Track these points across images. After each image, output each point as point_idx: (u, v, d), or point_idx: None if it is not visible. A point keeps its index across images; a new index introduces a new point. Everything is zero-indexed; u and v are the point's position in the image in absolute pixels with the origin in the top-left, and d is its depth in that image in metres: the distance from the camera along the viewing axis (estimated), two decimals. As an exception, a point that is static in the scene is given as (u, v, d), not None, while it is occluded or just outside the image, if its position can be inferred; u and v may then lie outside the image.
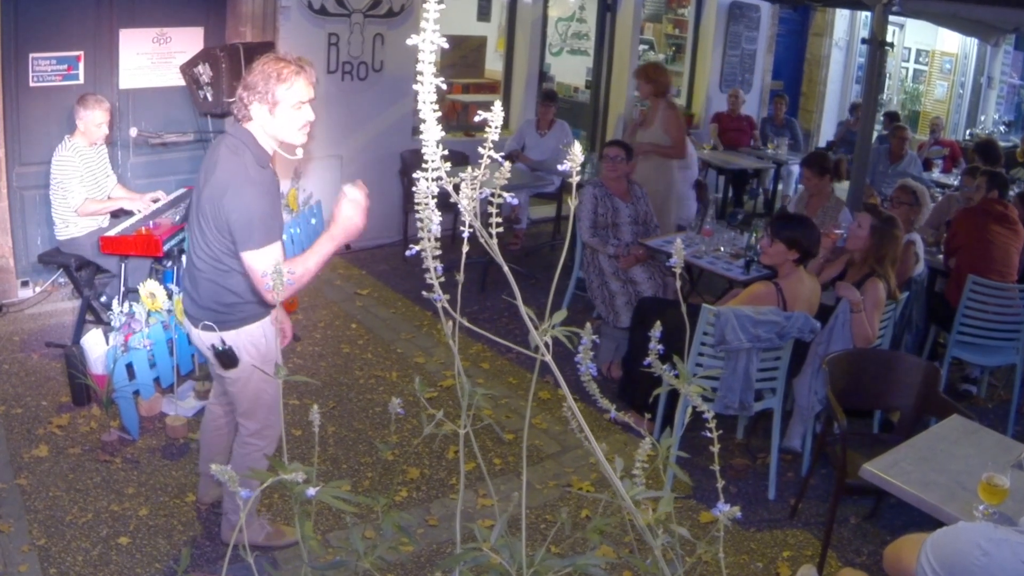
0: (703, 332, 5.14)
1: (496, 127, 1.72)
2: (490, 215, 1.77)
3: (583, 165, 9.32)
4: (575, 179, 1.86)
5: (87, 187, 6.43)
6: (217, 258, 3.83)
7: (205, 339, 4.01)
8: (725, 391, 5.15)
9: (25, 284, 7.37)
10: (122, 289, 6.22)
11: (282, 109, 3.72)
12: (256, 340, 4.01)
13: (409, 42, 1.64)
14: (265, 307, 4.00)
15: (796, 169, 12.41)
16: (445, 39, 1.65)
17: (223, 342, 3.94)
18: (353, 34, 8.71)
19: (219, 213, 3.70)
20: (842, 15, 15.48)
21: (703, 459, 5.07)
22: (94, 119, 6.40)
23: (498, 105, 1.74)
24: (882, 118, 12.45)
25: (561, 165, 1.84)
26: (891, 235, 5.55)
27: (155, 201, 6.72)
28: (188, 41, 7.70)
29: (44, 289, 7.42)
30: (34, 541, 4.38)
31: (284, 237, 7.56)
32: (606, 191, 6.86)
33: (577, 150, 1.83)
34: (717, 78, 13.07)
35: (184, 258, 5.15)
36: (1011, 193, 7.70)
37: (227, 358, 3.96)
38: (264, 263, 3.66)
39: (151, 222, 6.27)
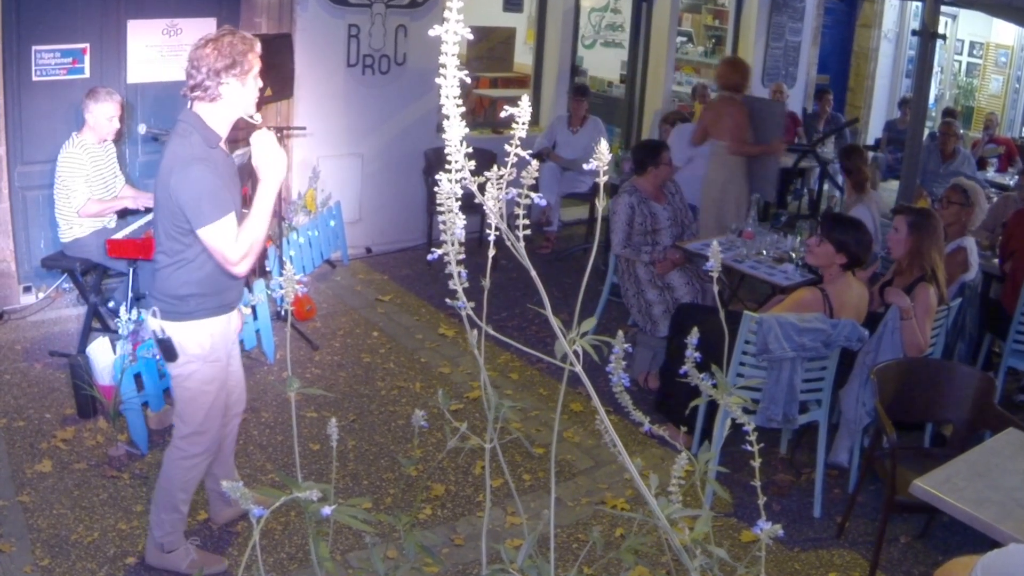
0: (744, 340, 5.13)
1: (524, 123, 1.72)
2: (517, 217, 1.77)
3: (617, 163, 9.31)
4: (602, 178, 1.87)
5: (93, 187, 6.43)
6: (173, 247, 3.99)
7: (150, 326, 4.17)
8: (768, 403, 5.12)
9: (28, 290, 7.38)
10: (130, 295, 6.23)
11: (251, 76, 4.00)
12: (200, 339, 4.14)
13: (432, 33, 1.64)
14: (219, 306, 4.18)
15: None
16: (470, 30, 1.65)
17: (163, 331, 4.07)
18: (374, 25, 8.71)
19: (169, 195, 3.88)
20: (891, 5, 15.42)
21: (744, 475, 5.05)
22: (105, 112, 6.38)
23: (525, 100, 1.74)
24: (934, 115, 12.37)
25: (587, 164, 1.84)
26: (929, 227, 5.50)
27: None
28: (200, 33, 7.59)
29: (48, 295, 7.42)
30: (37, 562, 4.40)
31: (302, 240, 7.70)
32: (642, 197, 6.76)
33: (604, 148, 1.83)
34: (759, 72, 12.98)
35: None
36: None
37: (166, 349, 4.11)
38: (221, 237, 3.87)
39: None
